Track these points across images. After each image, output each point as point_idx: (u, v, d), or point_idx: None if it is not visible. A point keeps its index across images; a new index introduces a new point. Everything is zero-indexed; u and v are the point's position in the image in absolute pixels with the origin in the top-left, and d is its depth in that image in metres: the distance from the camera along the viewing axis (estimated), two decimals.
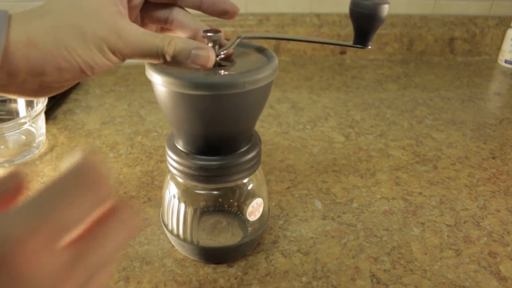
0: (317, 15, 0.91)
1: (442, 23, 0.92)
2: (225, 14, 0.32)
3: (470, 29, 0.91)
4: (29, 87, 0.28)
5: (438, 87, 0.78)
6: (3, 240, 0.15)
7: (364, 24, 0.31)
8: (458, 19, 0.93)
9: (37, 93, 0.29)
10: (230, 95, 0.29)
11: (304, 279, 0.37)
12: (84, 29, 0.26)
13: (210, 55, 0.28)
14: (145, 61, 0.30)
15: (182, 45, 0.28)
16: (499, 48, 0.91)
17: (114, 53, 0.28)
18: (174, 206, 0.37)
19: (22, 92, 0.28)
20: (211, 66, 0.29)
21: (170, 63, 0.28)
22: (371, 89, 0.75)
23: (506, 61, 0.87)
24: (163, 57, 0.28)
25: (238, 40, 0.33)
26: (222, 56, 0.31)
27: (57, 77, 0.27)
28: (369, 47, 0.33)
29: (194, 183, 0.35)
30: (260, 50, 0.35)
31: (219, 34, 0.30)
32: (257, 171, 0.37)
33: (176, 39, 0.28)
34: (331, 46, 0.89)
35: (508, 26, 0.86)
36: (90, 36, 0.27)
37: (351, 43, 0.33)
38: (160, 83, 0.30)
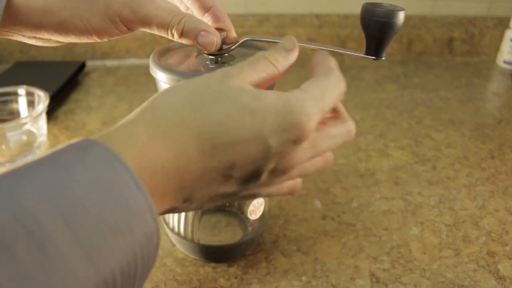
0: (317, 16, 0.91)
1: (441, 23, 0.93)
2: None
3: (469, 30, 0.92)
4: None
5: (437, 87, 0.78)
6: None
7: (379, 33, 0.28)
8: (457, 20, 0.94)
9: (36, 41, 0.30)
10: None
11: (304, 278, 0.37)
12: (99, 1, 0.28)
13: (215, 40, 0.30)
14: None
15: (191, 26, 0.29)
16: (497, 49, 0.91)
17: (126, 25, 0.29)
18: None
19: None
20: (215, 50, 0.31)
21: (179, 39, 0.30)
22: (371, 90, 0.75)
23: (504, 62, 0.87)
24: (172, 33, 0.29)
25: (243, 40, 0.33)
26: (226, 54, 0.32)
27: (63, 39, 0.29)
28: (383, 58, 0.29)
29: None
30: (262, 50, 0.35)
31: (224, 33, 0.31)
32: None
33: (187, 19, 0.29)
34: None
35: (507, 27, 0.86)
36: (104, 8, 0.28)
37: (363, 52, 0.30)
38: (164, 80, 0.30)
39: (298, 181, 0.28)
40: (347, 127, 0.30)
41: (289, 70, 0.28)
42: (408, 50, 0.92)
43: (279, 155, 0.24)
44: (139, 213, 0.18)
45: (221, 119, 0.22)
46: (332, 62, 0.27)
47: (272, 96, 0.23)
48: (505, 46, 0.86)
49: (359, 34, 0.88)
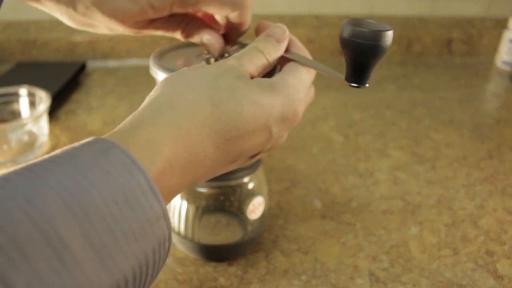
0: (317, 16, 0.91)
1: (440, 24, 0.93)
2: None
3: (468, 31, 0.92)
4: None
5: (436, 87, 0.78)
6: None
7: (363, 57, 0.23)
8: (455, 21, 0.94)
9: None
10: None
11: (303, 277, 0.37)
12: None
13: (217, 48, 0.32)
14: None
15: (195, 32, 0.32)
16: (496, 50, 0.92)
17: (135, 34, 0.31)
18: (176, 204, 0.38)
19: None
20: (217, 54, 0.32)
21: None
22: (370, 90, 0.76)
23: (503, 62, 0.87)
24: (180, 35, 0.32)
25: (245, 42, 0.34)
26: (226, 55, 0.33)
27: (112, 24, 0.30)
28: (367, 85, 0.25)
29: None
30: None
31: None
32: (257, 170, 0.38)
33: (191, 27, 0.32)
34: (331, 47, 0.90)
35: (505, 28, 0.86)
36: None
37: (343, 77, 0.26)
38: None
39: None
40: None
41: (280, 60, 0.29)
42: (407, 51, 0.92)
43: (277, 137, 0.27)
44: (153, 219, 0.19)
45: (237, 115, 0.24)
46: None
47: (275, 88, 0.26)
48: (503, 47, 0.86)
49: None
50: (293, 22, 0.90)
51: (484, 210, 0.46)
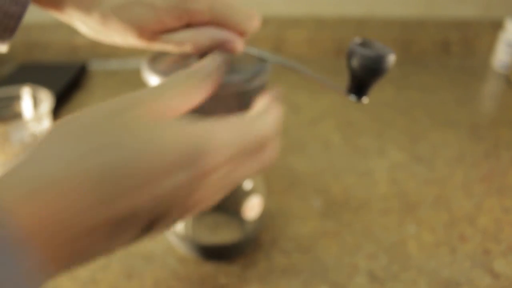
0: (316, 17, 0.92)
1: (437, 26, 0.94)
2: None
3: (465, 32, 0.93)
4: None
5: (433, 88, 0.79)
6: None
7: (365, 76, 0.25)
8: (453, 22, 0.95)
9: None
10: (227, 96, 0.30)
11: (302, 276, 0.38)
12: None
13: (237, 48, 0.29)
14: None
15: (208, 43, 0.29)
16: (493, 51, 0.92)
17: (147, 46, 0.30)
18: None
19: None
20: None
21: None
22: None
23: (499, 64, 0.88)
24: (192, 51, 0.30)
25: None
26: None
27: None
28: (365, 102, 0.28)
29: None
30: (260, 56, 0.35)
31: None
32: None
33: (202, 38, 0.29)
34: (331, 47, 0.90)
35: (502, 29, 0.87)
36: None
37: (344, 89, 0.28)
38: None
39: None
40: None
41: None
42: (405, 52, 0.93)
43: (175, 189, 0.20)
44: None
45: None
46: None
47: (175, 130, 0.20)
48: (500, 48, 0.87)
49: (359, 36, 0.89)
50: (292, 22, 0.90)
51: (481, 209, 0.47)
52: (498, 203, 0.48)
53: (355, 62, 0.25)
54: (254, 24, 0.29)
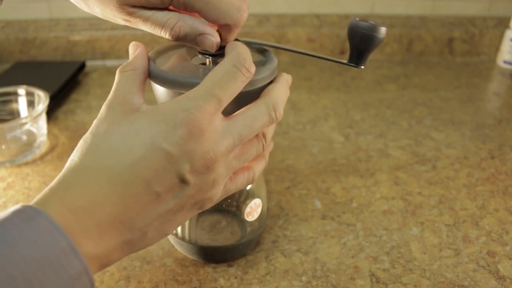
0: (317, 16, 0.91)
1: (441, 23, 0.93)
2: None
3: (469, 30, 0.92)
4: None
5: (437, 87, 0.78)
6: None
7: (361, 43, 0.31)
8: (457, 20, 0.94)
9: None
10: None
11: (304, 278, 0.37)
12: None
13: (213, 43, 0.29)
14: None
15: (188, 31, 0.28)
16: (497, 49, 0.91)
17: (125, 21, 0.29)
18: None
19: None
20: (215, 50, 0.30)
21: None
22: (371, 90, 0.75)
23: (504, 62, 0.87)
24: (167, 35, 0.29)
25: (242, 40, 0.33)
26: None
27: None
28: (362, 67, 0.33)
29: None
30: (261, 51, 0.35)
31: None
32: None
33: (183, 23, 0.28)
34: (331, 47, 0.89)
35: (507, 27, 0.86)
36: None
37: (345, 61, 0.33)
38: (159, 83, 0.30)
39: (248, 172, 0.32)
40: (267, 104, 0.29)
41: None
42: (408, 50, 0.92)
43: (186, 154, 0.25)
44: (75, 276, 0.21)
45: (114, 151, 0.24)
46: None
47: (155, 108, 0.26)
48: (505, 46, 0.86)
49: None
50: (293, 21, 0.89)
51: (485, 210, 0.46)
52: (503, 204, 0.47)
53: (354, 33, 0.31)
54: (243, 15, 0.29)
